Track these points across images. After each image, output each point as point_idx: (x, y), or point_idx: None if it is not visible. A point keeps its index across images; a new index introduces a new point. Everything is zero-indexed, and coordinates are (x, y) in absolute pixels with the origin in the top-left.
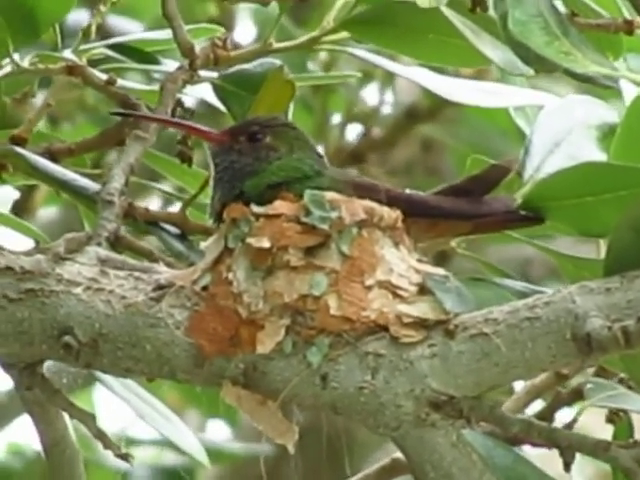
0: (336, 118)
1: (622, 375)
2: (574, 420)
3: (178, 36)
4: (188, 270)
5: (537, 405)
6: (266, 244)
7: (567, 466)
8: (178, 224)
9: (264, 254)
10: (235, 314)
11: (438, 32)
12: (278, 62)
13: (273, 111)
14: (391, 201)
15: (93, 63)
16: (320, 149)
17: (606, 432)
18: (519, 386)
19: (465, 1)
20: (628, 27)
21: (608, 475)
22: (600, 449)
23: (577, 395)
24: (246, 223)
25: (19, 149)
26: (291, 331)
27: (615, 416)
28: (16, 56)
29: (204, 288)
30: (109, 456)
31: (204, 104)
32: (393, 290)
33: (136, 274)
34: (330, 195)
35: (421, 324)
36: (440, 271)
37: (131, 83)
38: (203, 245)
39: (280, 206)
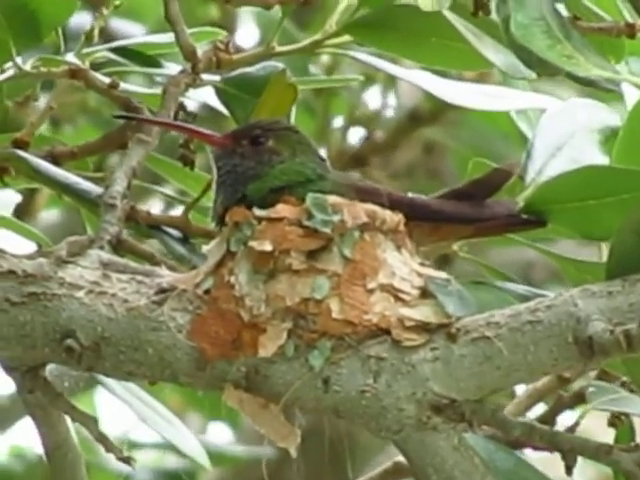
0: (338, 121)
1: (624, 379)
2: (576, 423)
3: (180, 39)
4: (190, 273)
5: (539, 409)
6: (268, 247)
7: (569, 469)
8: (180, 227)
9: (266, 257)
10: (237, 317)
11: (440, 35)
12: (280, 65)
13: (275, 114)
14: (393, 205)
15: (96, 66)
16: (322, 152)
17: (608, 436)
18: (521, 390)
19: (467, 4)
20: (630, 30)
21: (610, 479)
22: (602, 452)
23: (579, 399)
24: (248, 226)
25: (21, 152)
26: (293, 334)
27: (617, 419)
28: (19, 59)
29: (206, 291)
30: (111, 459)
31: (206, 107)
32: (395, 293)
33: (138, 277)
34: (332, 199)
35: (423, 327)
36: (442, 274)
37: (133, 86)
38: (205, 248)
39: (282, 210)
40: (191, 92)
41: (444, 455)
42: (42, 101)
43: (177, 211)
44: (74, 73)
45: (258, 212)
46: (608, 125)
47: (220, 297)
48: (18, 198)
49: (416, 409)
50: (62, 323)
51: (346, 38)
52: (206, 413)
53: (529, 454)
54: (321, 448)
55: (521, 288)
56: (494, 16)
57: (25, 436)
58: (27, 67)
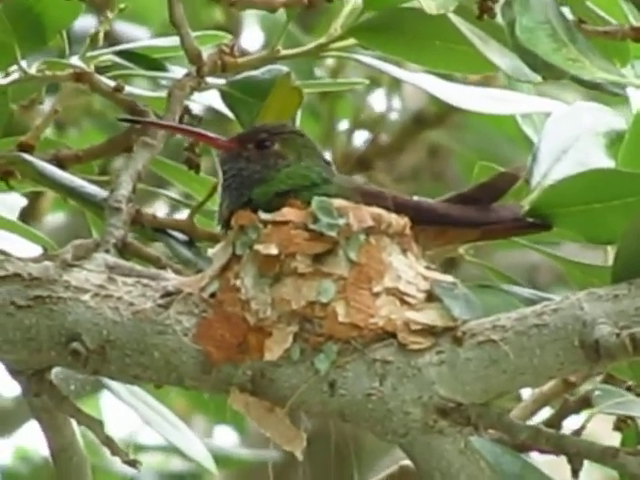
0: (343, 125)
1: (630, 382)
2: (582, 427)
3: (185, 43)
4: (196, 277)
5: (545, 412)
6: (274, 251)
7: (575, 473)
8: (186, 231)
9: (272, 261)
10: (243, 321)
11: (445, 39)
12: (285, 69)
13: (281, 118)
14: (399, 208)
15: (101, 70)
16: (327, 156)
17: (614, 439)
18: (527, 394)
19: (472, 8)
20: (635, 34)
21: None
22: (608, 456)
23: (585, 403)
24: (254, 230)
25: (26, 156)
26: (299, 338)
27: (623, 423)
28: (23, 63)
29: (212, 295)
30: (117, 462)
31: (212, 111)
32: (401, 297)
33: (144, 281)
34: (338, 202)
35: (429, 331)
36: (448, 278)
37: (138, 90)
38: (211, 252)
39: (288, 213)
40: (196, 95)
41: (450, 459)
42: (47, 104)
43: (182, 214)
44: (79, 76)
45: (264, 216)
46: (613, 129)
47: (226, 300)
48: (23, 202)
49: (422, 412)
50: (68, 326)
51: (351, 41)
52: (212, 416)
53: (535, 457)
54: (327, 451)
55: (527, 291)
56: (499, 19)
57: (31, 439)
58: (32, 70)
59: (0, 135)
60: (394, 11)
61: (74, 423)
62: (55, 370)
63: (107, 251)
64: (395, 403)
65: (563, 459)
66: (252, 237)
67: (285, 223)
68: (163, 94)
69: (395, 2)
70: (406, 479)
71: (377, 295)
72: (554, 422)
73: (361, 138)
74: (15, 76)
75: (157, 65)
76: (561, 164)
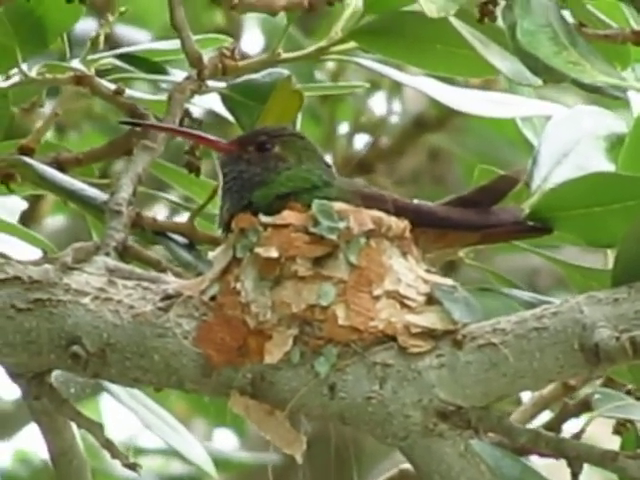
0: (344, 128)
1: (630, 386)
2: (582, 431)
3: (186, 46)
4: (196, 280)
5: (545, 416)
6: (274, 254)
7: (575, 476)
8: (186, 234)
9: (272, 264)
10: (243, 324)
11: (446, 42)
12: (286, 72)
13: (281, 121)
14: (399, 211)
15: (101, 73)
16: (328, 159)
17: (614, 443)
18: (527, 397)
19: (473, 11)
20: (636, 37)
21: None
22: (608, 459)
23: (584, 406)
24: (254, 233)
25: (27, 159)
26: (299, 341)
27: (622, 427)
28: (24, 66)
29: (212, 298)
30: (117, 465)
31: (212, 114)
32: (401, 300)
33: (144, 284)
34: (338, 205)
35: (429, 334)
36: (448, 281)
37: (139, 93)
38: (211, 255)
39: (288, 216)
40: (197, 98)
41: (450, 462)
42: (48, 107)
43: (183, 217)
44: (79, 79)
45: (264, 219)
46: (614, 132)
47: (226, 303)
48: (24, 205)
49: (422, 416)
50: (68, 329)
51: (352, 45)
52: (212, 420)
53: (535, 461)
54: (327, 455)
55: (527, 295)
56: (500, 23)
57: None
58: (33, 73)
59: (0, 138)
60: (395, 14)
61: (74, 426)
62: (55, 373)
63: (107, 254)
64: (395, 406)
65: (563, 462)
66: (252, 240)
67: (285, 226)
68: (163, 97)
69: (396, 5)
70: None
71: (377, 298)
72: (554, 425)
73: (362, 141)
74: (16, 79)
75: (158, 68)
76: (561, 167)
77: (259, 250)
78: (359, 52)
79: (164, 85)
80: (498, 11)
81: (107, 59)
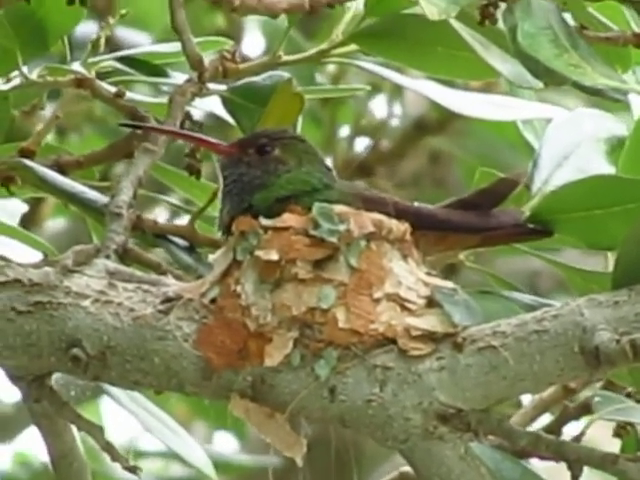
0: (344, 130)
1: (630, 389)
2: (582, 433)
3: (187, 49)
4: (196, 283)
5: (545, 419)
6: (274, 257)
7: (575, 479)
8: (186, 237)
9: (272, 267)
10: (243, 327)
11: (447, 45)
12: (287, 75)
13: (282, 124)
14: (399, 214)
15: (102, 75)
16: (328, 162)
17: (614, 446)
18: (527, 400)
19: (474, 14)
20: (637, 40)
21: None
22: (608, 462)
23: (585, 409)
24: (255, 236)
25: (28, 161)
26: (299, 344)
27: (623, 430)
28: (25, 68)
29: (212, 301)
30: (117, 468)
31: (213, 117)
32: (401, 303)
33: (144, 287)
34: (339, 208)
35: (429, 337)
36: (448, 284)
37: (140, 96)
38: (211, 258)
39: (289, 219)
40: (197, 101)
41: (450, 465)
42: (48, 110)
43: (183, 220)
44: (80, 82)
45: (264, 221)
46: (615, 135)
47: (226, 306)
48: (24, 207)
49: (422, 418)
50: (68, 332)
51: (352, 47)
52: (212, 422)
53: (535, 464)
54: (327, 457)
55: (527, 297)
56: (501, 25)
57: (31, 445)
58: (33, 76)
59: (1, 141)
60: (395, 17)
61: (74, 429)
62: (55, 376)
63: (108, 257)
64: (395, 409)
65: (563, 465)
66: (253, 243)
67: (286, 229)
68: (164, 100)
69: (396, 8)
70: None
71: (377, 301)
72: (554, 428)
73: (362, 144)
74: (16, 82)
75: (158, 71)
76: (562, 170)
77: (259, 253)
78: (360, 55)
79: (165, 88)
80: (499, 14)
81: (108, 62)
